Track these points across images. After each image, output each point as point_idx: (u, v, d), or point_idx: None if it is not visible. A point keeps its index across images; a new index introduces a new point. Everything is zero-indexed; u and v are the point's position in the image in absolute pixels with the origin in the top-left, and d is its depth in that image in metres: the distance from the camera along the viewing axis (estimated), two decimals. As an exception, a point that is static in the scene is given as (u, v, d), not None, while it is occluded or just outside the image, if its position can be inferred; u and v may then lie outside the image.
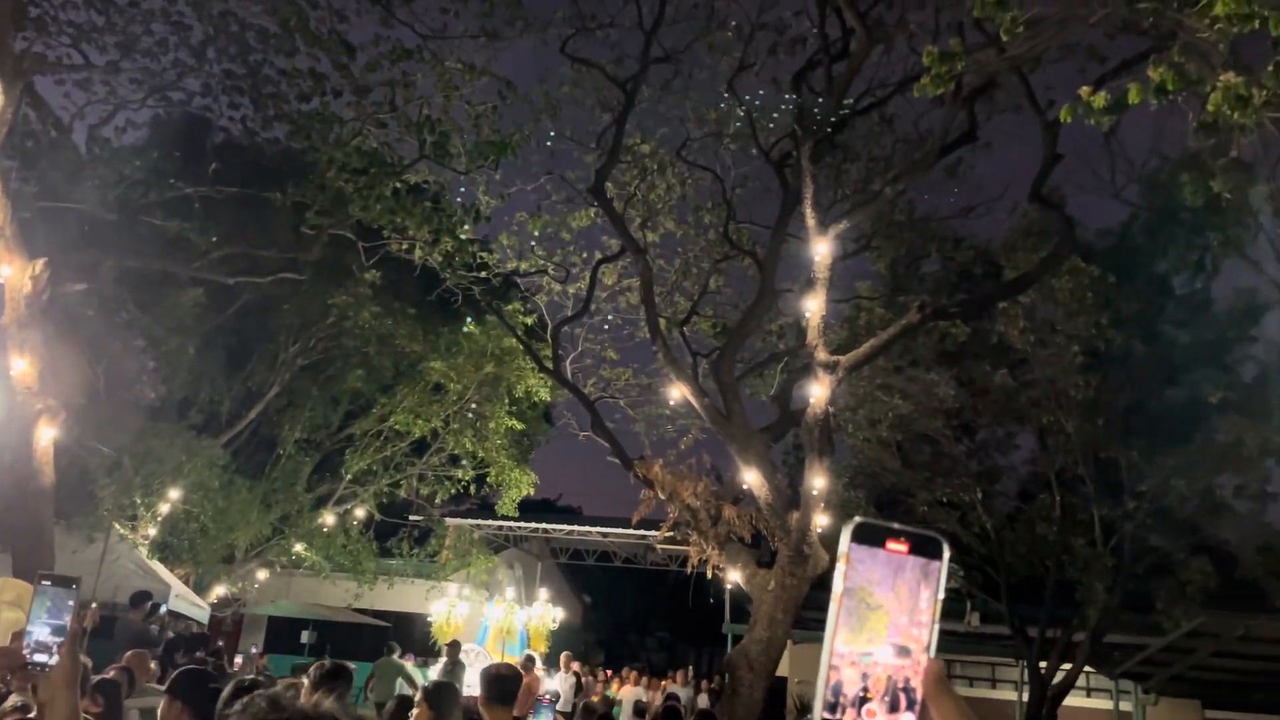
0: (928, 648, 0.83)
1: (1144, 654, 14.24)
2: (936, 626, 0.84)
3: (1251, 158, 11.34)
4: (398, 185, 12.25)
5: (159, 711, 3.42)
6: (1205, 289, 16.08)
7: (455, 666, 12.13)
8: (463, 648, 13.79)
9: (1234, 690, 16.89)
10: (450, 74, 12.78)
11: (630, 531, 21.23)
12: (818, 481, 10.49)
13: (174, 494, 15.82)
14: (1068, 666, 15.53)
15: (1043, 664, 15.59)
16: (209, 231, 12.64)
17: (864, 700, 0.82)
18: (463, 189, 13.87)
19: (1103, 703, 18.04)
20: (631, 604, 37.84)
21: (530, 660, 12.40)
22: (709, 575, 11.88)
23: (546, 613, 18.11)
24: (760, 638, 9.95)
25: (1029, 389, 15.82)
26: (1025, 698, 16.03)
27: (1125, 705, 16.53)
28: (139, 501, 15.82)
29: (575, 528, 26.68)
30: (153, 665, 7.04)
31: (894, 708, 0.82)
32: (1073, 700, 16.35)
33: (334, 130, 12.36)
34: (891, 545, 0.85)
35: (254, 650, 14.54)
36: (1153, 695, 15.82)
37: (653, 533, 12.87)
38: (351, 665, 4.72)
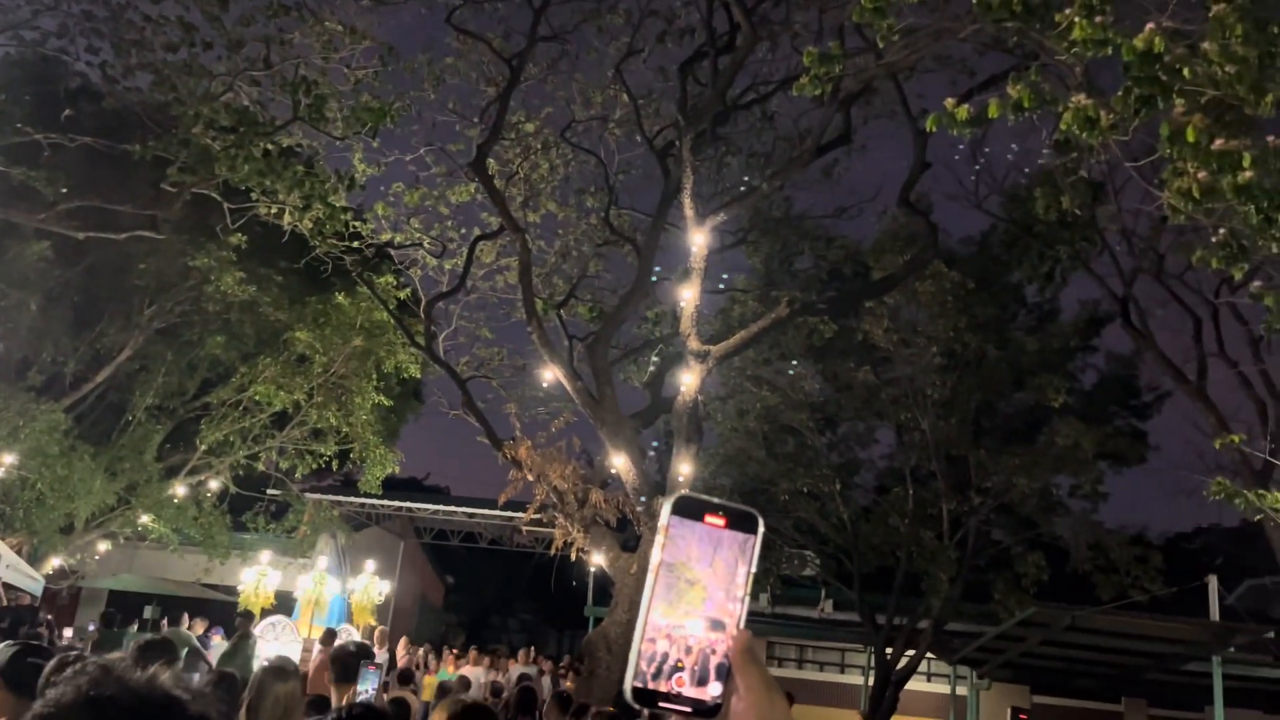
0: (739, 620, 0.86)
1: (980, 641, 15.03)
2: (748, 600, 0.87)
3: (1101, 178, 12.10)
4: (268, 146, 11.74)
5: None
6: (1054, 299, 17.09)
7: (242, 641, 11.46)
8: (269, 620, 13.11)
9: (1060, 676, 18.07)
10: (330, 34, 12.36)
11: (496, 512, 21.09)
12: (684, 468, 10.67)
13: (7, 458, 14.84)
14: (911, 653, 16.27)
15: (889, 650, 16.30)
16: (58, 181, 11.85)
17: (675, 670, 0.83)
18: (339, 155, 13.47)
19: (941, 687, 18.99)
20: (495, 585, 37.67)
21: (331, 634, 11.88)
22: (573, 558, 11.93)
23: (372, 585, 17.53)
24: (620, 620, 10.07)
25: (889, 387, 16.45)
26: (871, 682, 16.73)
27: (961, 689, 17.43)
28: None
29: (441, 507, 26.34)
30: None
31: (704, 678, 0.84)
32: (914, 685, 17.18)
33: (202, 84, 11.78)
34: (710, 519, 0.86)
35: (91, 626, 13.76)
36: (986, 680, 16.73)
37: (519, 514, 12.80)
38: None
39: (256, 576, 15.98)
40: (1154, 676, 16.84)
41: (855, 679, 19.81)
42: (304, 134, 12.85)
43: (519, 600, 37.87)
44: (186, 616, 13.49)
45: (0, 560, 13.39)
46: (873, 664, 16.80)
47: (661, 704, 0.83)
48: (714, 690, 0.84)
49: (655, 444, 17.65)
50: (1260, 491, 9.25)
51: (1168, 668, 15.97)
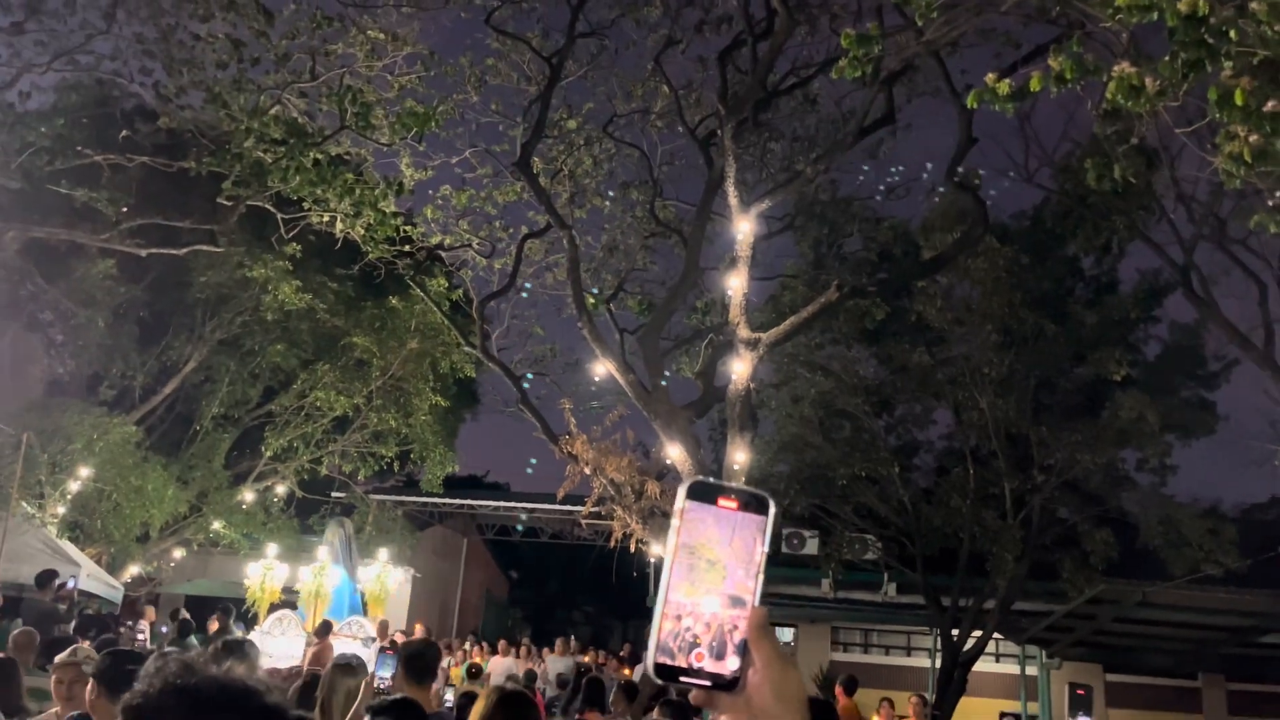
0: (755, 598, 0.90)
1: (1048, 620, 14.83)
2: (762, 577, 0.91)
3: (1155, 145, 11.81)
4: (318, 156, 12.00)
5: (86, 696, 3.38)
6: (1112, 271, 16.71)
7: (183, 632, 11.35)
8: (276, 614, 12.85)
9: (1134, 654, 17.72)
10: (373, 43, 12.56)
11: (556, 507, 21.27)
12: (739, 456, 10.67)
13: (84, 471, 15.36)
14: (978, 634, 16.08)
15: (955, 632, 16.13)
16: (119, 201, 12.22)
17: (694, 646, 0.88)
18: (386, 161, 13.69)
19: (1010, 668, 18.74)
20: (559, 579, 37.98)
21: (326, 626, 11.89)
22: (633, 549, 12.01)
23: (386, 575, 16.76)
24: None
25: (945, 366, 16.25)
26: (938, 664, 16.57)
27: (1031, 670, 17.20)
28: (44, 480, 15.33)
29: (501, 503, 26.64)
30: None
31: (722, 653, 0.89)
32: (982, 666, 16.96)
33: (251, 99, 12.05)
34: (723, 502, 0.91)
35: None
36: (1057, 660, 16.50)
37: (578, 508, 12.92)
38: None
39: (262, 570, 15.25)
40: (1231, 651, 16.45)
41: (922, 661, 19.63)
42: (352, 142, 13.07)
43: (582, 593, 38.13)
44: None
45: (81, 569, 13.90)
46: (939, 646, 16.64)
47: (682, 679, 0.88)
48: (732, 665, 0.88)
49: (710, 433, 17.66)
50: (1334, 458, 9.00)
51: (1246, 641, 15.60)
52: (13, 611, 10.31)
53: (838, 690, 10.63)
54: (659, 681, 0.89)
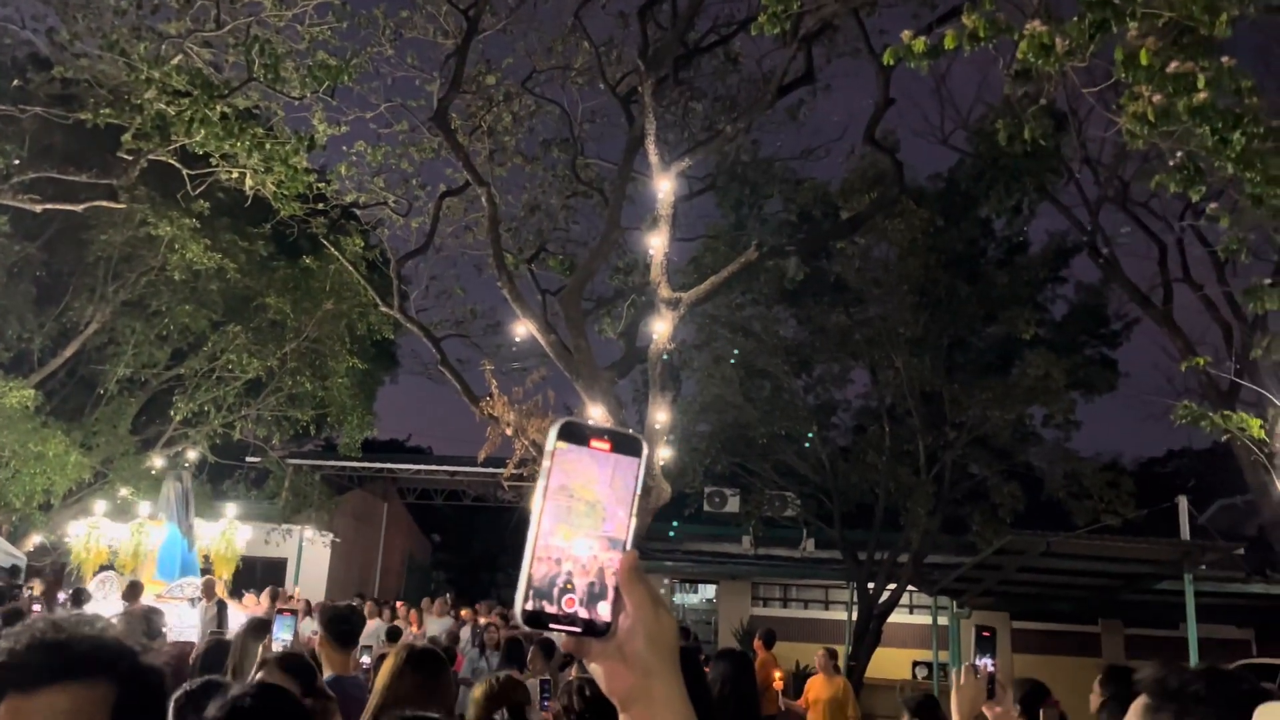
0: (628, 541, 0.88)
1: (958, 572, 15.30)
2: (634, 521, 0.88)
3: (1064, 108, 12.11)
4: (225, 110, 11.52)
5: None
6: (1022, 232, 17.17)
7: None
8: (100, 576, 12.42)
9: (1038, 601, 18.47)
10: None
11: (478, 469, 21.13)
12: (660, 416, 10.74)
13: (-20, 438, 14.71)
14: (893, 587, 16.58)
15: (870, 585, 16.59)
16: (10, 154, 11.59)
17: (565, 591, 0.85)
18: (298, 116, 13.24)
19: (923, 619, 19.37)
20: (483, 541, 37.92)
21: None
22: (555, 510, 11.99)
23: (231, 532, 15.86)
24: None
25: (863, 327, 16.56)
26: (854, 617, 17.04)
27: (942, 620, 17.78)
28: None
29: (422, 467, 26.38)
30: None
31: (595, 598, 0.86)
32: (896, 617, 17.51)
33: (153, 48, 11.50)
34: (595, 444, 0.88)
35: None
36: (967, 609, 17.07)
37: (500, 470, 12.85)
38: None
39: (87, 530, 14.12)
40: (1128, 597, 17.21)
41: (839, 615, 20.16)
42: (261, 95, 12.60)
43: (506, 554, 38.17)
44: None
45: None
46: (855, 599, 17.11)
47: (553, 625, 0.85)
48: (604, 610, 0.86)
49: (634, 394, 17.71)
50: (1226, 413, 9.45)
51: (1141, 588, 16.33)
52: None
53: (756, 643, 10.84)
54: (527, 629, 0.86)
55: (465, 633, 13.04)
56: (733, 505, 19.50)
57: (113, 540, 14.32)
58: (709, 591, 24.88)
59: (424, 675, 3.05)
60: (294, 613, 6.42)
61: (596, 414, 10.90)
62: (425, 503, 29.74)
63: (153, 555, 13.75)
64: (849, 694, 9.34)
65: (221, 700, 2.22)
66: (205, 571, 14.03)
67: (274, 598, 11.98)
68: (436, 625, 13.67)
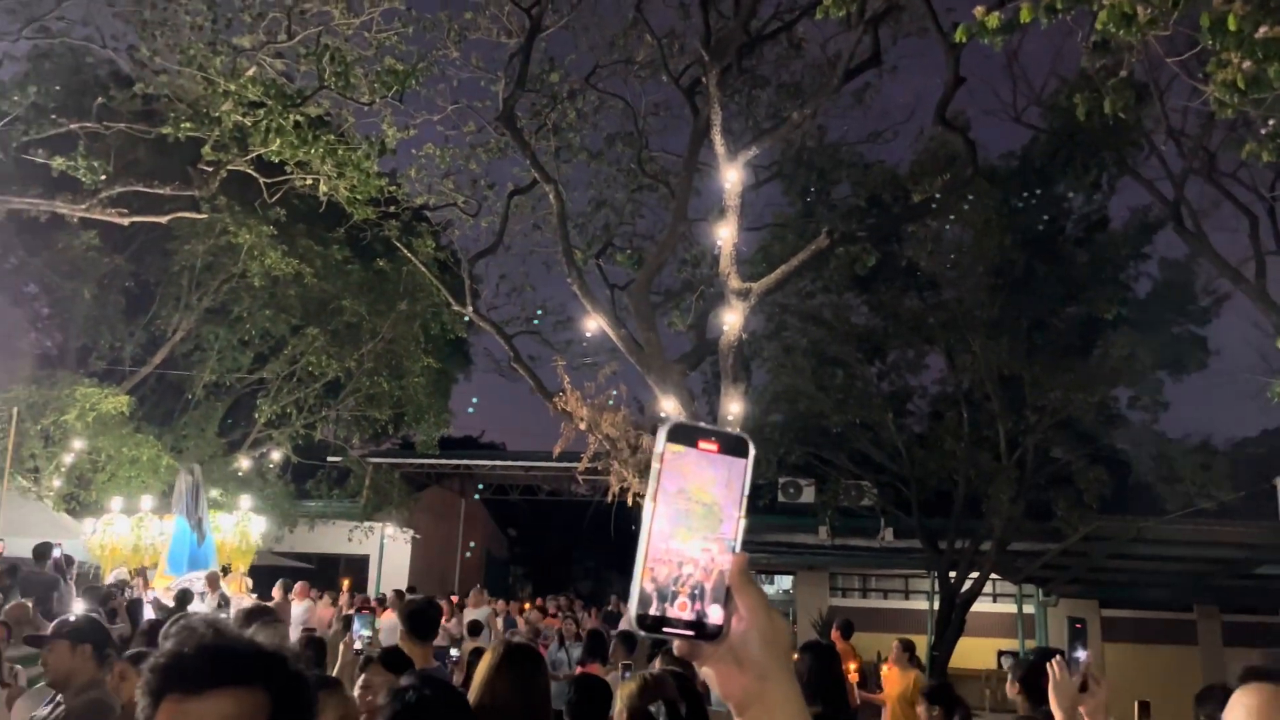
0: (737, 543, 0.86)
1: (1044, 559, 14.99)
2: (743, 522, 0.87)
3: (1144, 78, 11.70)
4: (298, 118, 11.81)
5: (55, 657, 3.38)
6: (1102, 208, 16.64)
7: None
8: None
9: (1128, 588, 17.96)
10: (349, 0, 12.31)
11: (553, 464, 21.29)
12: (733, 407, 10.67)
13: (78, 444, 15.32)
14: (975, 575, 16.25)
15: (952, 574, 16.29)
16: (97, 170, 12.04)
17: (676, 595, 0.84)
18: (368, 121, 13.48)
19: (1008, 607, 18.98)
20: (558, 535, 38.24)
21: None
22: (630, 503, 12.04)
23: (246, 523, 15.63)
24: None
25: (937, 311, 16.23)
26: (936, 606, 16.77)
27: (1028, 608, 17.43)
28: (38, 453, 15.29)
29: (498, 463, 26.71)
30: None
31: (705, 601, 0.84)
32: (980, 606, 17.16)
33: (228, 61, 11.83)
34: (703, 445, 0.86)
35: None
36: (1053, 597, 16.70)
37: (574, 464, 12.94)
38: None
39: (102, 527, 14.02)
40: (1225, 582, 16.68)
41: (920, 604, 19.87)
42: (332, 103, 12.87)
43: (582, 548, 38.45)
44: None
45: (81, 541, 13.88)
46: (936, 588, 16.82)
47: (667, 629, 0.84)
48: (715, 614, 0.85)
49: (705, 385, 17.68)
50: (1326, 389, 9.04)
51: (1239, 573, 15.80)
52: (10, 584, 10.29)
53: (834, 634, 10.73)
54: (641, 633, 0.85)
55: (499, 623, 13.44)
56: (808, 496, 19.32)
57: (119, 538, 14.32)
58: (785, 582, 24.73)
59: (520, 671, 3.09)
60: (372, 610, 6.57)
61: (669, 407, 10.90)
62: (501, 498, 30.11)
63: (161, 549, 13.77)
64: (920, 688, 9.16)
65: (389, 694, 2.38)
66: (225, 568, 14.07)
67: (213, 585, 11.96)
68: (473, 614, 13.96)
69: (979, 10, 5.20)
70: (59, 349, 19.43)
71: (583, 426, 11.69)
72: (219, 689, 1.30)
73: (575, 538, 35.82)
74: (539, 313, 16.49)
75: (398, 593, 14.66)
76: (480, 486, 28.69)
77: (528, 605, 18.65)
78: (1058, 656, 2.89)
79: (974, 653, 17.92)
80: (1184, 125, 14.33)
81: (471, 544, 29.38)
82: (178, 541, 13.65)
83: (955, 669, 16.36)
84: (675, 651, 0.86)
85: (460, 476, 27.99)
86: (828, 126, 15.85)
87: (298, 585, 12.57)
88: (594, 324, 11.95)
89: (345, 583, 14.07)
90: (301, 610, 11.87)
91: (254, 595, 12.96)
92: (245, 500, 16.57)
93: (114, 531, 14.05)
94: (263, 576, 17.01)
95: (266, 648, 1.39)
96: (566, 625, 12.21)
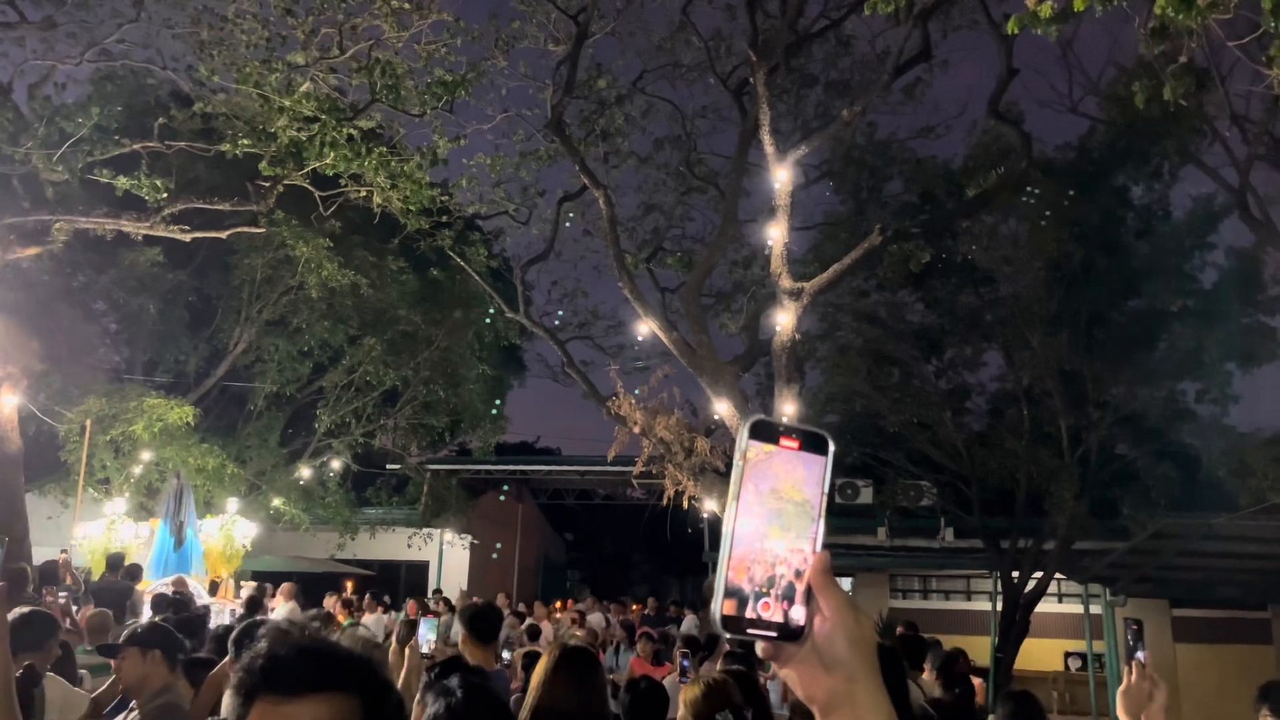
0: (818, 542, 0.85)
1: (1111, 558, 14.62)
2: (824, 520, 0.86)
3: (1205, 64, 11.38)
4: (351, 132, 12.01)
5: (128, 664, 3.47)
6: (1163, 198, 16.21)
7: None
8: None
9: (1200, 587, 17.46)
10: (397, 12, 12.48)
11: (608, 468, 21.35)
12: (787, 408, 10.60)
13: (146, 455, 15.73)
14: (1039, 575, 15.92)
15: (1015, 574, 15.99)
16: (160, 188, 12.37)
17: (760, 595, 0.83)
18: (419, 132, 13.67)
19: (1073, 607, 18.57)
20: (613, 539, 38.34)
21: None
22: (685, 506, 12.03)
23: (231, 527, 15.34)
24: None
25: (994, 307, 15.96)
26: (999, 607, 16.46)
27: (1095, 608, 17.02)
28: (108, 464, 15.73)
29: (553, 467, 26.86)
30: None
31: (788, 601, 0.84)
32: (1044, 606, 16.81)
33: (283, 78, 12.07)
34: (784, 442, 0.86)
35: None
36: (1121, 597, 16.27)
37: (629, 468, 12.97)
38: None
39: (104, 530, 13.93)
40: (1302, 581, 16.11)
41: (983, 605, 19.52)
42: (384, 116, 13.07)
43: (638, 551, 38.49)
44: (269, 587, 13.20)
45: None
46: (999, 589, 16.52)
47: (749, 630, 0.83)
48: (797, 613, 0.84)
49: (758, 387, 17.58)
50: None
51: (1316, 571, 15.25)
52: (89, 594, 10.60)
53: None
54: (725, 634, 0.84)
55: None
56: (865, 497, 19.11)
57: (109, 541, 14.16)
58: (844, 585, 24.32)
59: (577, 673, 3.10)
60: (437, 615, 6.64)
61: (722, 410, 10.87)
62: (557, 503, 30.28)
63: (139, 552, 13.74)
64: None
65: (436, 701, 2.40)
66: (214, 584, 13.96)
67: (291, 597, 12.06)
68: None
69: (1031, 0, 5.11)
70: (126, 363, 19.99)
71: (636, 430, 11.70)
72: (316, 693, 1.30)
73: (632, 542, 35.92)
74: (593, 317, 16.57)
75: (440, 596, 14.65)
76: (534, 493, 28.90)
77: (559, 605, 18.79)
78: (1134, 660, 2.82)
79: (1040, 654, 17.57)
80: (1248, 110, 13.91)
81: (531, 549, 29.58)
82: (159, 546, 13.65)
83: (1021, 671, 16.05)
84: (759, 653, 0.86)
85: (516, 481, 28.22)
86: (878, 123, 15.74)
87: (284, 585, 12.67)
88: (646, 328, 11.96)
89: (411, 604, 14.04)
90: (285, 612, 11.69)
91: (274, 600, 12.96)
92: (232, 504, 16.34)
93: (90, 534, 13.97)
94: (324, 584, 17.34)
95: (360, 654, 1.40)
96: (610, 631, 12.22)
